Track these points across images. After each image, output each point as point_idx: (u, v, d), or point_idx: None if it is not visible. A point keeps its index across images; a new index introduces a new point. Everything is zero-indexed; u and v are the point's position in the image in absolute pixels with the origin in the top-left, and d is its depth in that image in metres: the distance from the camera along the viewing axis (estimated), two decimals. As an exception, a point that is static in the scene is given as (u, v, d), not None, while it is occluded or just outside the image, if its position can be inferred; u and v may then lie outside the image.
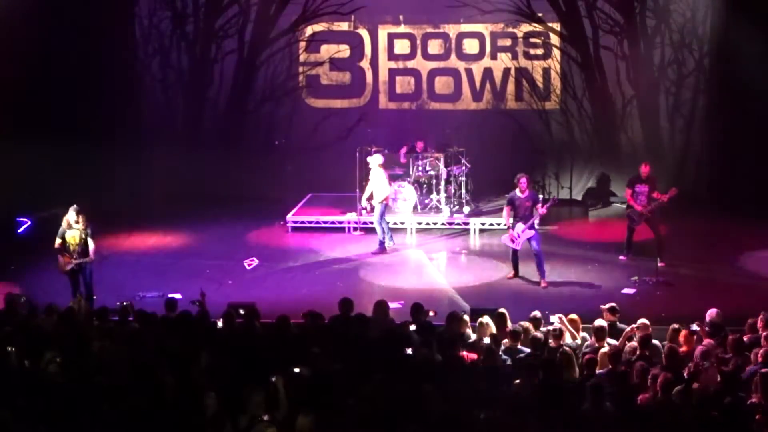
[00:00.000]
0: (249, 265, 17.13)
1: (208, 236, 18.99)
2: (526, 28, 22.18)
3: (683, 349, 10.72)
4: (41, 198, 18.66)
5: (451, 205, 19.70)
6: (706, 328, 11.48)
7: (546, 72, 22.40)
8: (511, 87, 22.56)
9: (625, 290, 15.39)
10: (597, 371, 10.20)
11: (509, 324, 11.72)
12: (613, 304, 12.06)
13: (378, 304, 12.33)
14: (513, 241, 15.85)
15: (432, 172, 19.74)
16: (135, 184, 20.62)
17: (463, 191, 19.91)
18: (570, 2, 21.68)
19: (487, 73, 22.62)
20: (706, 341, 10.82)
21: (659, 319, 12.72)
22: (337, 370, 9.97)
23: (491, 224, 19.13)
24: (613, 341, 11.08)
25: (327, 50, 22.89)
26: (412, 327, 11.70)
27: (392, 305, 13.07)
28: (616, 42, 21.75)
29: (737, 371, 10.05)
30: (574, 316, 11.95)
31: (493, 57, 22.55)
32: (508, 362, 10.63)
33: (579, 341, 11.45)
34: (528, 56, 22.43)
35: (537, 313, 11.87)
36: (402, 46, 22.89)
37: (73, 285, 14.73)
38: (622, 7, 21.55)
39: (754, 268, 16.48)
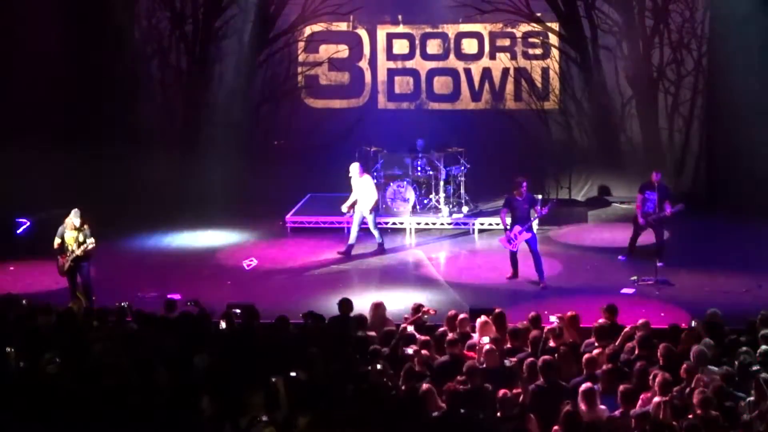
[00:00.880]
0: (248, 265, 17.13)
1: (207, 236, 18.98)
2: (524, 28, 22.18)
3: (681, 347, 10.73)
4: (40, 199, 18.65)
5: (450, 205, 19.70)
6: (706, 328, 11.48)
7: (545, 72, 22.40)
8: (510, 87, 22.56)
9: (625, 290, 15.40)
10: (596, 371, 10.19)
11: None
12: (613, 303, 12.07)
13: (375, 305, 12.33)
14: (510, 243, 15.83)
15: (431, 172, 19.73)
16: (134, 184, 20.59)
17: (462, 191, 19.90)
18: (569, 2, 21.67)
19: (486, 73, 22.62)
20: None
21: (659, 319, 12.74)
22: (335, 371, 9.98)
23: (490, 224, 19.12)
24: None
25: (326, 50, 22.89)
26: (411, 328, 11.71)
27: (391, 305, 13.07)
28: (615, 42, 21.76)
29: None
30: (573, 315, 11.95)
31: (492, 57, 22.56)
32: (507, 363, 10.62)
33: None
34: (527, 56, 22.43)
35: (537, 313, 11.87)
36: (401, 46, 22.90)
37: (71, 286, 14.73)
38: (621, 7, 21.55)
39: (754, 267, 16.47)
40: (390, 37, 22.92)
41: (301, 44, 22.87)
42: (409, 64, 22.93)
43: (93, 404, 9.30)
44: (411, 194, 19.50)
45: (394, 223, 19.35)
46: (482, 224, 19.21)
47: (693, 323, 11.48)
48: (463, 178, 19.88)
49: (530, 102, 22.45)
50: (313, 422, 8.71)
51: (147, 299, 14.86)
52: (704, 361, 10.10)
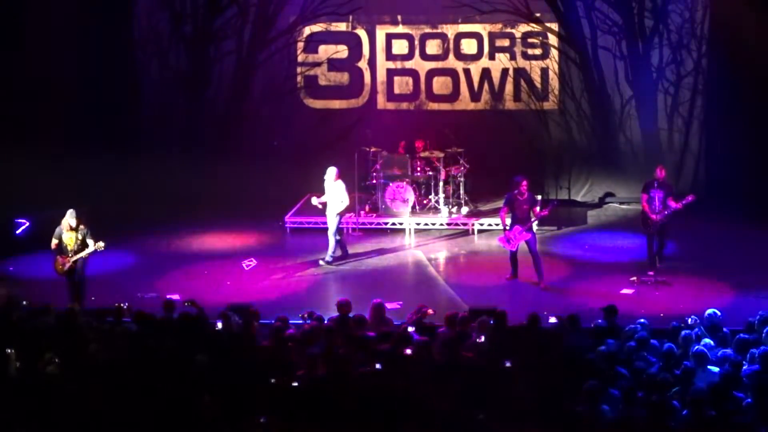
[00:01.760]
0: (247, 266, 17.13)
1: (206, 237, 18.98)
2: (524, 28, 22.18)
3: (681, 349, 10.73)
4: (39, 199, 18.65)
5: (450, 206, 19.70)
6: (705, 328, 11.49)
7: (544, 72, 22.40)
8: (509, 87, 22.55)
9: (624, 290, 15.40)
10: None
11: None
12: (612, 304, 12.07)
13: (374, 305, 12.33)
14: (509, 242, 15.81)
15: (430, 173, 19.74)
16: (133, 184, 20.58)
17: (462, 192, 19.91)
18: (568, 3, 21.67)
19: (486, 73, 22.62)
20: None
21: (658, 319, 12.75)
22: (335, 372, 9.98)
23: (489, 224, 19.12)
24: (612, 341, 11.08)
25: (325, 51, 22.88)
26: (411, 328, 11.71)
27: (390, 306, 13.08)
28: (615, 42, 21.75)
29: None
30: (573, 315, 11.94)
31: (492, 57, 22.55)
32: (507, 363, 10.61)
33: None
34: (526, 56, 22.43)
35: (536, 313, 11.85)
36: (400, 47, 22.89)
37: (70, 286, 14.75)
38: (621, 8, 21.55)
39: (753, 267, 16.47)
40: (389, 37, 22.91)
41: (301, 44, 22.86)
42: (408, 64, 22.93)
43: (92, 404, 9.30)
44: (410, 195, 19.50)
45: (393, 224, 19.35)
46: (481, 224, 19.20)
47: (692, 323, 11.50)
48: (462, 179, 19.88)
49: (529, 102, 22.45)
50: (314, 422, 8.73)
51: (146, 300, 14.88)
52: (705, 362, 10.10)
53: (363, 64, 22.95)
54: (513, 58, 22.43)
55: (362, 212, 19.52)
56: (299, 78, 23.00)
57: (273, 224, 19.69)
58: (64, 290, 14.68)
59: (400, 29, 22.85)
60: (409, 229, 19.27)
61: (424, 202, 19.82)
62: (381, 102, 23.10)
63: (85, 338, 11.29)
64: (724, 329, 11.43)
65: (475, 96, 22.72)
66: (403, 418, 9.00)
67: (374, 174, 19.93)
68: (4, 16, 19.35)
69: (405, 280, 16.43)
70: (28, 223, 18.64)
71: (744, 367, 10.08)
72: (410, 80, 22.96)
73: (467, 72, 22.70)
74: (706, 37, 21.17)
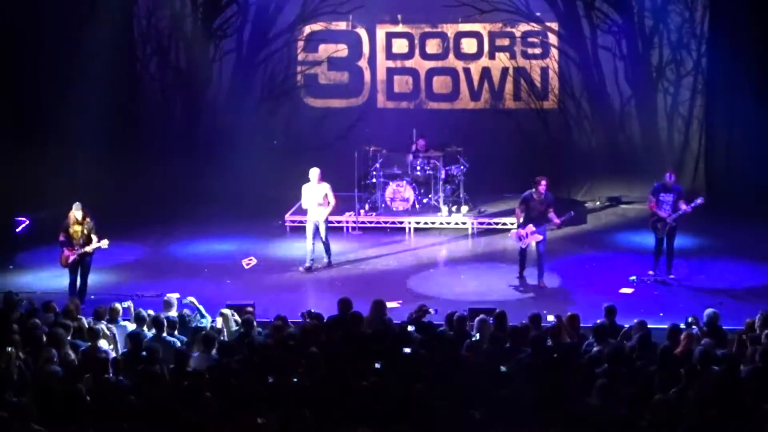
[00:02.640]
0: (247, 264, 17.14)
1: (206, 235, 18.98)
2: (524, 27, 22.17)
3: (680, 349, 10.73)
4: (39, 198, 18.67)
5: (449, 205, 19.71)
6: (704, 328, 11.52)
7: (544, 71, 22.40)
8: (509, 86, 22.54)
9: (624, 290, 15.41)
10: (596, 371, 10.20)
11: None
12: (611, 304, 12.08)
13: (375, 302, 12.34)
14: (520, 240, 15.84)
15: (430, 172, 19.75)
16: (133, 183, 20.59)
17: (461, 191, 19.92)
18: (568, 2, 21.68)
19: (485, 72, 22.61)
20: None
21: (657, 319, 12.76)
22: (334, 371, 9.98)
23: (489, 224, 19.13)
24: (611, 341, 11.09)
25: (325, 50, 22.88)
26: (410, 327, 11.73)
27: (390, 304, 13.09)
28: (615, 42, 21.74)
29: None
30: (572, 315, 11.96)
31: (491, 56, 22.54)
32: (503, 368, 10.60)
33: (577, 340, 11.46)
34: (526, 56, 22.41)
35: (536, 313, 11.87)
36: (400, 46, 22.88)
37: (71, 280, 14.84)
38: (621, 7, 21.55)
39: (752, 268, 16.49)
40: (389, 36, 22.90)
41: (301, 43, 22.85)
42: (408, 63, 22.92)
43: (92, 403, 9.31)
44: (410, 193, 19.51)
45: (393, 223, 19.36)
46: (481, 224, 19.21)
47: (691, 324, 11.51)
48: (462, 178, 19.89)
49: (529, 101, 22.45)
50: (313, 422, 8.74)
51: (145, 298, 14.89)
52: (705, 361, 10.11)
53: (363, 63, 22.94)
54: (513, 57, 22.42)
55: (362, 211, 19.53)
56: (299, 77, 22.99)
57: (273, 223, 19.69)
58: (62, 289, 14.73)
59: (400, 28, 22.84)
60: (409, 228, 19.28)
61: (424, 201, 19.83)
62: (381, 101, 23.09)
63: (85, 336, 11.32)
64: (724, 328, 11.46)
65: (475, 95, 22.72)
66: (402, 417, 9.00)
67: (374, 173, 19.93)
68: (3, 16, 19.35)
69: (404, 279, 16.42)
70: (27, 222, 18.65)
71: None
72: (410, 79, 22.95)
73: (467, 71, 22.69)
74: (706, 37, 21.17)
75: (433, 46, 22.76)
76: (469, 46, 22.63)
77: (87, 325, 11.80)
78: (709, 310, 11.73)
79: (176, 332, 11.68)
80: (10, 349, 10.45)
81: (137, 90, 22.38)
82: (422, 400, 9.25)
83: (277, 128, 22.84)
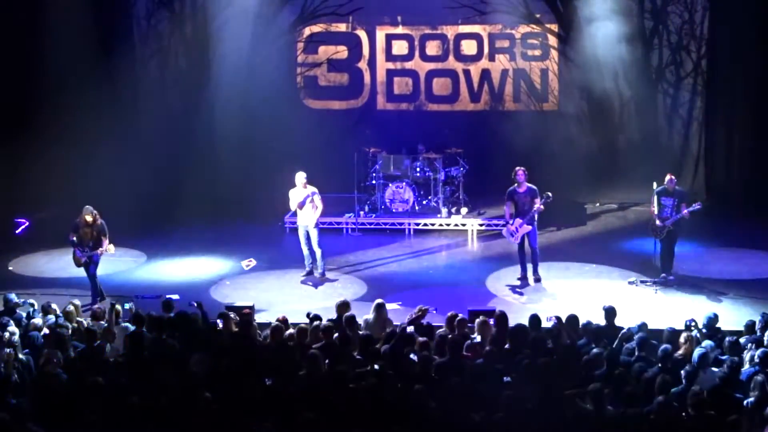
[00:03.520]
0: (247, 266, 17.14)
1: (205, 237, 18.96)
2: (523, 29, 22.18)
3: (681, 351, 10.74)
4: (39, 199, 18.67)
5: (449, 206, 19.71)
6: (704, 330, 11.52)
7: (544, 73, 22.41)
8: (509, 88, 22.56)
9: (623, 291, 15.40)
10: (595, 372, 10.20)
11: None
12: (611, 305, 12.08)
13: (376, 304, 12.35)
14: (512, 236, 15.98)
15: (430, 174, 19.75)
16: (132, 184, 20.56)
17: (461, 192, 19.92)
18: (567, 3, 21.67)
19: (485, 74, 22.62)
20: None
21: (657, 321, 12.75)
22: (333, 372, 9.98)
23: (489, 225, 19.13)
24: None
25: (325, 51, 22.88)
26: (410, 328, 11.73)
27: (390, 306, 13.09)
28: (614, 43, 21.70)
29: None
30: (572, 316, 11.96)
31: (491, 58, 22.56)
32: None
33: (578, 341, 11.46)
34: (526, 57, 22.43)
35: (536, 314, 11.88)
36: (400, 47, 22.89)
37: (90, 280, 15.00)
38: (620, 9, 21.51)
39: (752, 268, 16.48)
40: (389, 38, 22.91)
41: (300, 45, 22.86)
42: (408, 65, 22.93)
43: (92, 404, 9.31)
44: (410, 195, 19.51)
45: (393, 224, 19.36)
46: (480, 225, 19.20)
47: (691, 325, 11.51)
48: (462, 179, 19.89)
49: (529, 103, 22.46)
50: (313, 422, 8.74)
51: (145, 300, 14.89)
52: (705, 363, 10.12)
53: (363, 64, 22.95)
54: (513, 59, 22.43)
55: (362, 212, 19.52)
56: (299, 78, 23.00)
57: (272, 224, 19.68)
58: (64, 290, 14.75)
59: (400, 30, 22.85)
60: (409, 230, 19.28)
61: (423, 202, 19.83)
62: (381, 103, 23.10)
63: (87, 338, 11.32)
64: (723, 331, 11.46)
65: (474, 97, 22.73)
66: (402, 418, 9.01)
67: (373, 174, 19.93)
68: (3, 16, 19.35)
69: (404, 281, 16.41)
70: (27, 223, 18.64)
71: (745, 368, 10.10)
72: (410, 81, 22.96)
73: (467, 73, 22.70)
74: (706, 39, 21.18)
75: (433, 47, 22.77)
76: (468, 47, 22.64)
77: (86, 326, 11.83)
78: (708, 313, 11.74)
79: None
80: (9, 350, 10.46)
81: (137, 91, 22.36)
82: (422, 402, 9.25)
83: (276, 130, 22.82)
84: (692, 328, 11.39)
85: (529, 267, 16.07)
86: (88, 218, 14.84)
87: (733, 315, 13.15)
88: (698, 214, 15.66)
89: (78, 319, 12.46)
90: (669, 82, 21.70)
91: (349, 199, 19.52)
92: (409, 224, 19.31)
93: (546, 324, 11.87)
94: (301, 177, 16.38)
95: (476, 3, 21.51)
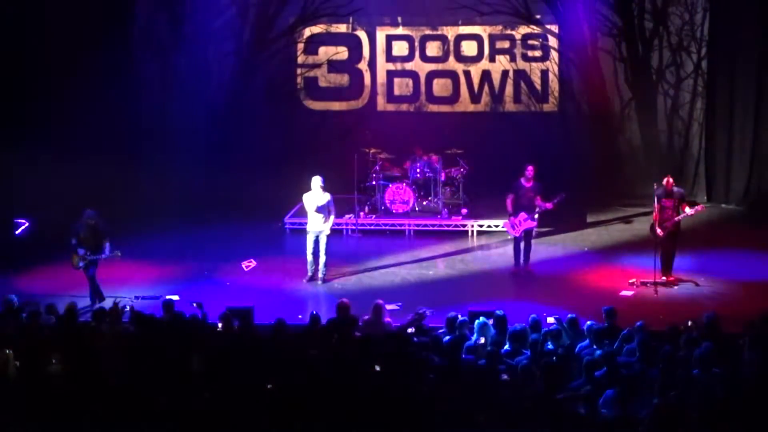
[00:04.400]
0: (247, 267, 17.13)
1: (205, 238, 18.96)
2: (524, 30, 22.21)
3: (680, 352, 10.72)
4: (39, 200, 18.64)
5: (449, 207, 19.70)
6: (704, 330, 11.50)
7: (544, 74, 22.43)
8: (509, 89, 22.58)
9: (624, 293, 15.40)
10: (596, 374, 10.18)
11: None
12: (611, 306, 12.07)
13: (375, 306, 12.34)
14: (513, 228, 16.10)
15: (430, 175, 19.74)
16: (132, 185, 20.57)
17: (461, 193, 19.91)
18: (568, 4, 21.68)
19: (486, 75, 22.64)
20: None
21: (657, 322, 12.75)
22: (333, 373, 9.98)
23: (489, 226, 19.12)
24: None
25: (325, 52, 22.90)
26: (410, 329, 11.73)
27: (390, 307, 13.08)
28: (614, 44, 21.77)
29: None
30: (572, 317, 11.95)
31: (492, 59, 22.57)
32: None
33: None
34: (526, 58, 22.44)
35: (536, 316, 11.87)
36: (400, 48, 22.90)
37: (89, 282, 14.97)
38: (621, 10, 21.56)
39: (752, 270, 16.48)
40: (389, 38, 22.93)
41: (301, 46, 22.88)
42: (408, 65, 22.94)
43: (93, 405, 9.31)
44: (410, 196, 19.50)
45: (392, 225, 19.35)
46: (481, 226, 19.19)
47: (690, 326, 11.51)
48: (462, 180, 19.88)
49: (529, 104, 22.48)
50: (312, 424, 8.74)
51: (145, 300, 14.90)
52: (705, 365, 10.10)
53: (363, 65, 22.96)
54: (513, 59, 22.45)
55: (362, 213, 19.52)
56: (299, 79, 23.02)
57: (273, 225, 19.67)
58: (64, 291, 14.74)
59: (400, 31, 22.86)
60: (409, 231, 19.27)
61: (424, 203, 19.82)
62: (381, 103, 23.12)
63: (87, 338, 11.31)
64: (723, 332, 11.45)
65: (475, 98, 22.74)
66: (403, 420, 9.00)
67: (374, 175, 19.92)
68: (3, 16, 19.34)
69: (404, 282, 16.41)
70: (27, 224, 18.63)
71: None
72: (410, 82, 22.97)
73: (467, 74, 22.71)
74: (706, 40, 21.19)
75: (433, 48, 22.78)
76: (469, 48, 22.65)
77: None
78: (708, 313, 11.72)
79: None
80: (8, 351, 10.45)
81: (137, 92, 22.34)
82: (423, 404, 9.24)
83: (276, 130, 22.84)
84: (692, 329, 11.38)
85: (519, 260, 16.37)
86: (90, 221, 14.83)
87: (732, 315, 13.11)
88: (699, 213, 15.68)
89: (79, 319, 12.44)
90: (669, 83, 21.71)
91: (349, 200, 19.52)
92: (409, 225, 19.30)
93: (546, 325, 11.86)
94: (317, 181, 15.93)
95: (476, 4, 21.54)
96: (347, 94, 23.12)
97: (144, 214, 19.71)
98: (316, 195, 15.88)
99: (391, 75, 23.06)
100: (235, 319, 12.05)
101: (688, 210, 15.54)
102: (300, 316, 13.73)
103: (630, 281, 15.80)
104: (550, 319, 12.04)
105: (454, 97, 22.86)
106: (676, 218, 15.54)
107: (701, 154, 21.48)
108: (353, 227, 19.28)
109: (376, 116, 22.68)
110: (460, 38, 22.68)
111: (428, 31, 22.75)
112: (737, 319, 12.40)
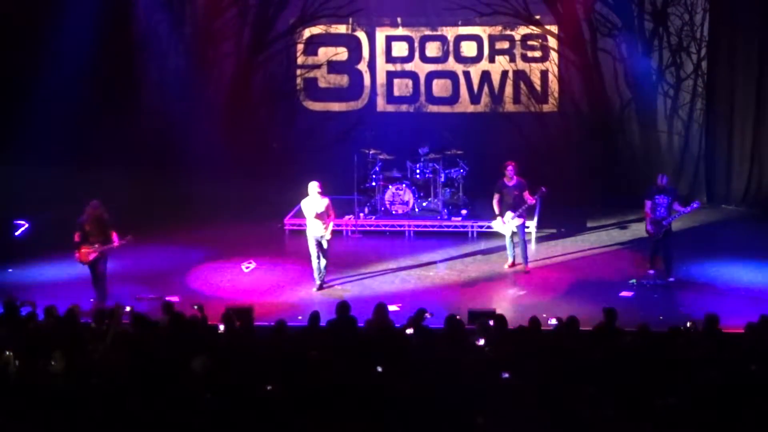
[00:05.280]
0: (247, 268, 17.13)
1: (205, 239, 18.94)
2: (523, 30, 22.18)
3: (679, 353, 10.72)
4: (39, 201, 18.65)
5: (449, 208, 19.70)
6: (704, 331, 11.51)
7: (544, 75, 22.39)
8: (509, 90, 22.54)
9: (623, 293, 15.41)
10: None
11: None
12: (612, 307, 12.06)
13: (377, 306, 12.34)
14: (502, 227, 16.51)
15: (430, 175, 19.74)
16: (131, 185, 20.57)
17: (461, 194, 19.91)
18: (568, 5, 21.67)
19: (485, 75, 22.61)
20: None
21: (657, 323, 12.75)
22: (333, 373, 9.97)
23: (489, 227, 19.10)
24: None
25: (325, 53, 22.87)
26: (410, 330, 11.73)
27: (390, 308, 13.07)
28: (614, 45, 21.75)
29: None
30: (573, 318, 11.94)
31: (491, 60, 22.54)
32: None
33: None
34: (526, 59, 22.41)
35: (536, 316, 11.86)
36: (400, 49, 22.87)
37: (93, 279, 14.95)
38: (620, 10, 21.54)
39: (752, 271, 16.48)
40: (389, 39, 22.89)
41: (300, 46, 22.85)
42: (408, 66, 22.91)
43: (92, 406, 9.30)
44: (409, 197, 19.50)
45: (392, 226, 19.34)
46: (480, 227, 19.18)
47: (690, 328, 11.52)
48: (462, 181, 19.88)
49: (529, 105, 22.45)
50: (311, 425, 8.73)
51: (145, 302, 14.90)
52: (704, 366, 10.11)
53: (363, 66, 22.94)
54: (513, 60, 22.42)
55: (361, 215, 19.51)
56: (299, 80, 22.99)
57: (272, 226, 19.66)
58: (64, 291, 14.73)
59: (400, 31, 22.83)
60: (409, 232, 19.26)
61: (423, 204, 19.81)
62: (381, 104, 23.09)
63: (86, 339, 11.31)
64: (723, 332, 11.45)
65: (474, 98, 22.71)
66: (403, 420, 8.99)
67: (373, 176, 19.91)
68: (2, 18, 19.36)
69: (404, 282, 16.40)
70: (27, 225, 18.63)
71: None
72: (410, 82, 22.95)
73: (467, 74, 22.69)
74: (706, 40, 21.17)
75: (432, 49, 22.76)
76: (468, 49, 22.62)
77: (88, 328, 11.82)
78: (708, 314, 11.72)
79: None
80: (8, 353, 10.45)
81: (137, 92, 22.35)
82: (423, 404, 9.23)
83: (276, 131, 22.84)
84: (692, 330, 11.39)
85: (518, 255, 16.59)
86: (94, 213, 14.82)
87: (732, 317, 13.12)
88: (699, 213, 15.71)
89: (80, 321, 12.43)
90: (669, 83, 21.69)
91: (348, 201, 19.51)
92: (409, 226, 19.29)
93: (546, 326, 11.88)
94: (314, 187, 15.74)
95: (476, 4, 21.53)
96: (347, 95, 23.09)
97: (143, 215, 19.70)
98: (313, 201, 15.71)
99: (390, 76, 23.03)
100: (235, 320, 12.07)
101: (679, 208, 15.67)
102: (300, 317, 13.73)
103: (630, 281, 15.81)
104: (551, 321, 12.04)
105: (454, 98, 22.83)
106: (671, 217, 15.67)
107: (701, 155, 21.46)
108: (353, 228, 19.27)
109: (376, 117, 22.64)
110: (459, 39, 22.65)
111: (428, 32, 22.72)
112: (737, 320, 12.43)
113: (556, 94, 22.31)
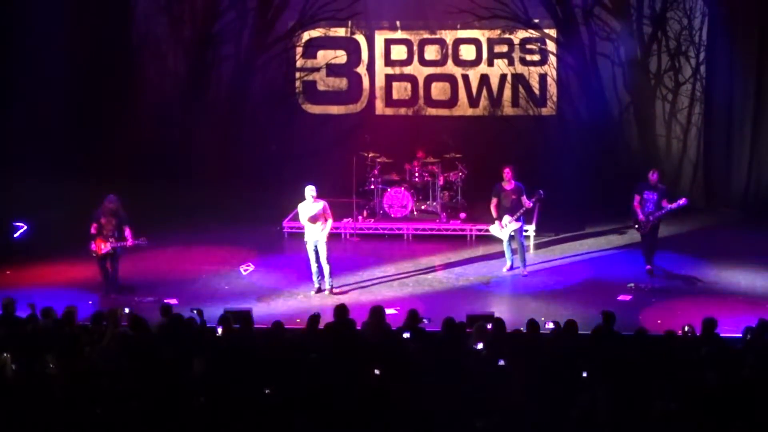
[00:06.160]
0: (245, 270, 17.12)
1: (204, 241, 18.94)
2: (522, 34, 22.19)
3: (678, 356, 10.73)
4: (38, 202, 18.65)
5: (448, 211, 19.70)
6: (701, 335, 11.51)
7: (542, 78, 22.41)
8: (507, 93, 22.56)
9: (621, 297, 15.41)
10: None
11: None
12: (610, 311, 12.06)
13: (373, 309, 12.33)
14: (500, 231, 16.53)
15: (428, 179, 19.74)
16: (130, 187, 20.55)
17: (459, 197, 19.91)
18: (567, 9, 21.69)
19: (484, 79, 22.62)
20: None
21: (655, 326, 12.75)
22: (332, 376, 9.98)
23: (488, 230, 19.09)
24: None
25: (324, 56, 22.89)
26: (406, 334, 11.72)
27: (388, 311, 13.07)
28: (613, 49, 21.76)
29: None
30: (571, 321, 11.93)
31: (490, 63, 22.56)
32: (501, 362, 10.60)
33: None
34: (524, 62, 22.43)
35: (534, 319, 11.85)
36: (399, 52, 22.89)
37: (103, 271, 14.98)
38: (619, 15, 21.56)
39: (751, 274, 16.48)
40: (388, 42, 22.92)
41: (299, 50, 22.86)
42: (407, 69, 22.92)
43: (89, 407, 9.30)
44: (408, 200, 19.49)
45: (391, 229, 19.34)
46: (479, 230, 19.18)
47: (688, 330, 11.51)
48: (460, 184, 19.88)
49: (528, 108, 22.47)
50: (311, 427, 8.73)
51: (143, 304, 14.88)
52: (702, 369, 10.11)
53: (362, 69, 22.95)
54: (511, 64, 22.44)
55: (360, 218, 19.51)
56: (298, 83, 23.00)
57: (271, 229, 19.65)
58: (65, 295, 14.74)
59: (399, 35, 22.86)
60: (407, 235, 19.26)
61: (422, 207, 19.81)
62: (379, 107, 23.10)
63: (84, 341, 11.30)
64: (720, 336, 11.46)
65: (473, 102, 22.73)
66: (401, 424, 8.99)
67: (372, 179, 19.91)
68: (2, 19, 19.38)
69: (402, 286, 16.40)
70: (26, 227, 18.62)
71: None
72: (409, 86, 22.96)
73: (466, 78, 22.71)
74: (705, 44, 21.19)
75: (431, 52, 22.78)
76: (467, 52, 22.65)
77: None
78: (707, 317, 11.72)
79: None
80: (5, 354, 10.45)
81: (136, 95, 22.35)
82: (422, 407, 9.23)
83: (275, 134, 22.84)
84: (689, 333, 11.39)
85: (517, 259, 16.65)
86: (110, 207, 14.84)
87: (730, 320, 13.12)
88: (698, 217, 15.74)
89: (77, 322, 12.42)
90: (668, 87, 21.70)
91: (347, 204, 19.51)
92: (408, 229, 19.29)
93: (544, 329, 11.86)
94: (310, 191, 15.74)
95: (475, 8, 21.54)
96: (346, 98, 23.11)
97: (142, 218, 19.67)
98: (309, 205, 15.74)
99: (389, 79, 23.04)
100: (234, 322, 12.06)
101: (671, 205, 15.80)
102: (298, 321, 13.73)
103: (628, 285, 15.82)
104: (549, 325, 12.03)
105: (453, 101, 22.85)
106: (659, 213, 15.80)
107: (700, 159, 21.48)
108: (351, 231, 19.26)
109: (375, 120, 22.66)
110: (458, 42, 22.67)
111: (427, 35, 22.74)
112: (735, 324, 12.43)
113: (554, 98, 22.33)
